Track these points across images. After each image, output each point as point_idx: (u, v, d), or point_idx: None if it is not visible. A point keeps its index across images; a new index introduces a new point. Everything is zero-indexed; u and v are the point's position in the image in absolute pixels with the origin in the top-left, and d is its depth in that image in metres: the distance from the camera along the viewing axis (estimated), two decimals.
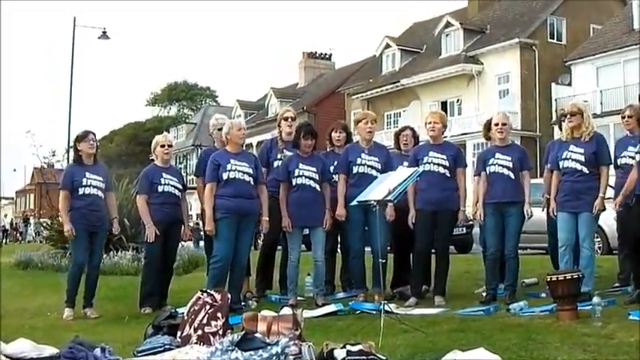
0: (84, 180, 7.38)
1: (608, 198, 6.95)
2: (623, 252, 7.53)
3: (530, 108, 33.18)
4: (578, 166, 6.75)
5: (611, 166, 7.11)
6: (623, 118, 7.54)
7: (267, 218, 7.26)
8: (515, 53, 33.52)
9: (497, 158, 7.10)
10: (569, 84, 31.98)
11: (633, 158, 6.99)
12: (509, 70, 33.68)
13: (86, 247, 7.42)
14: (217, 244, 7.09)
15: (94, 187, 7.42)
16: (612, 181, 7.27)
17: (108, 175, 7.84)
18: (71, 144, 9.85)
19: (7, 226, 49.57)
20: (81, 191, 7.37)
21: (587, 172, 6.72)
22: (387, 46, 40.99)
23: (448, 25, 37.38)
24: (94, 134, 7.63)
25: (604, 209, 6.82)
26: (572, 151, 6.79)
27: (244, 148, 7.46)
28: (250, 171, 7.08)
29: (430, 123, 7.38)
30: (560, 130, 7.93)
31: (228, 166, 7.03)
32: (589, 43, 32.34)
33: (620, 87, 28.59)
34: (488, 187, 7.14)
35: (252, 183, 7.10)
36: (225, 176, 7.03)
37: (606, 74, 30.12)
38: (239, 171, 7.04)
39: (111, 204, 7.74)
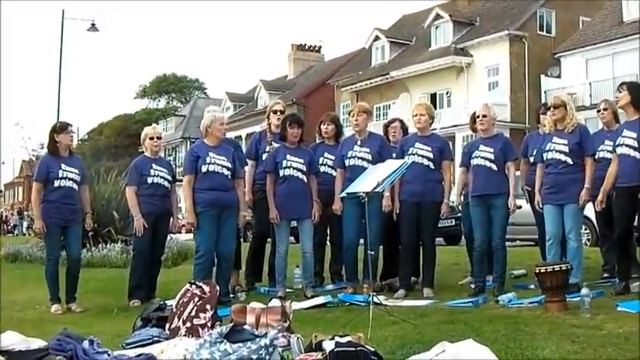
0: (60, 172, 7.22)
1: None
2: (606, 244, 7.57)
3: (519, 100, 33.21)
4: (562, 157, 6.70)
5: None
6: (598, 111, 7.60)
7: (245, 213, 7.27)
8: (504, 45, 33.54)
9: (481, 150, 7.07)
10: (559, 76, 32.11)
11: (611, 152, 7.01)
12: (498, 63, 33.70)
13: (59, 241, 7.32)
14: (199, 238, 7.07)
15: (70, 179, 7.26)
16: None
17: (84, 168, 7.69)
18: None
19: None
20: (56, 183, 7.21)
21: (572, 162, 6.67)
22: (377, 38, 40.94)
23: (438, 17, 37.36)
24: (71, 126, 7.52)
25: (589, 200, 6.79)
26: (555, 143, 6.74)
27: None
28: (229, 165, 7.04)
29: (416, 115, 7.36)
30: (538, 123, 7.93)
31: (207, 159, 6.99)
32: (578, 35, 32.44)
33: (609, 79, 28.60)
34: (473, 179, 7.13)
35: (229, 177, 7.07)
36: (204, 169, 6.99)
37: (596, 66, 30.21)
38: (217, 164, 7.00)
39: (85, 198, 7.58)
